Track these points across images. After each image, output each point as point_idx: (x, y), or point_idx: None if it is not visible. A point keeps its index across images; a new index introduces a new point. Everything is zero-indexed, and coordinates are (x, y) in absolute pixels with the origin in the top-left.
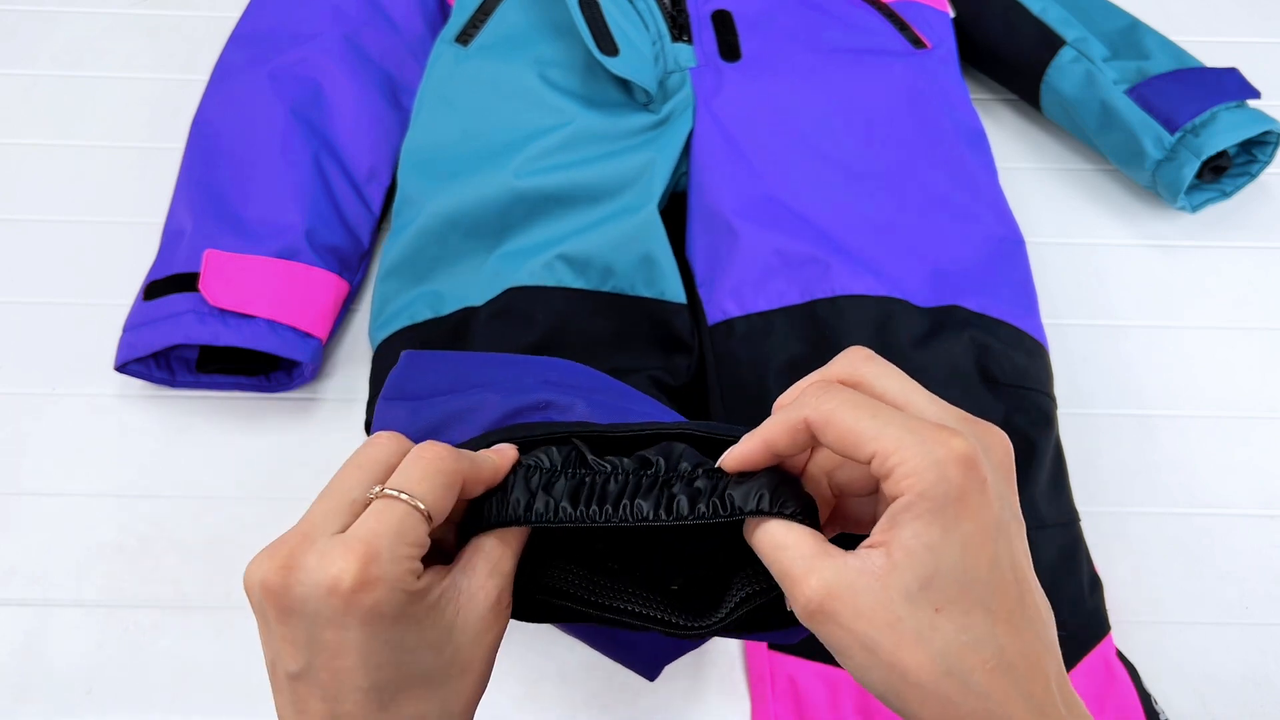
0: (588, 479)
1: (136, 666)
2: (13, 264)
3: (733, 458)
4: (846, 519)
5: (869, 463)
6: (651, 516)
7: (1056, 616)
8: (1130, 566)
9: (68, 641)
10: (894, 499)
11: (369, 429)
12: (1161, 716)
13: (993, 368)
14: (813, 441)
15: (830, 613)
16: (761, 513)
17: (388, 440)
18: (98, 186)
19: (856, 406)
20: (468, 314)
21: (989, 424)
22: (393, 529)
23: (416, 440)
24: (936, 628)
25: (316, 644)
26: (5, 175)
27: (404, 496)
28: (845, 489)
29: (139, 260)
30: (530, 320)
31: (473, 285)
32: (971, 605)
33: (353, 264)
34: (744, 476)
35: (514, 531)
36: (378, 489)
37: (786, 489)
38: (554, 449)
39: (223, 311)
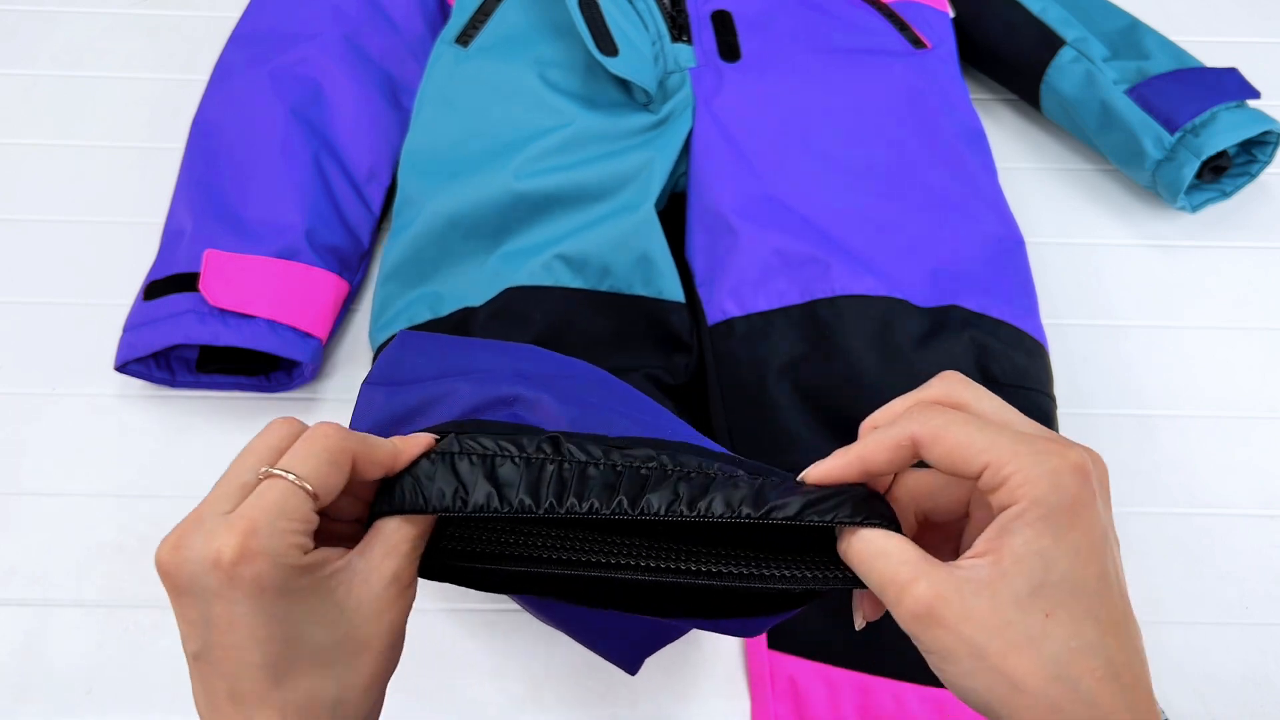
0: (553, 466)
1: (136, 666)
2: (13, 264)
3: (820, 470)
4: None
5: (978, 476)
6: (663, 512)
7: None
8: (1130, 566)
9: (68, 641)
10: (1004, 508)
11: None
12: (1162, 717)
13: (992, 368)
14: (912, 460)
15: (938, 616)
16: (860, 523)
17: (281, 425)
18: (98, 186)
19: (966, 422)
20: (467, 314)
21: (1086, 445)
22: (274, 505)
23: (380, 431)
24: (1047, 633)
25: (209, 621)
26: (5, 175)
27: (289, 476)
28: (930, 515)
29: (139, 260)
30: (528, 320)
31: (472, 286)
32: (1082, 613)
33: (353, 264)
34: (811, 490)
35: (419, 520)
36: (264, 469)
37: (876, 502)
38: (499, 440)
39: (223, 311)
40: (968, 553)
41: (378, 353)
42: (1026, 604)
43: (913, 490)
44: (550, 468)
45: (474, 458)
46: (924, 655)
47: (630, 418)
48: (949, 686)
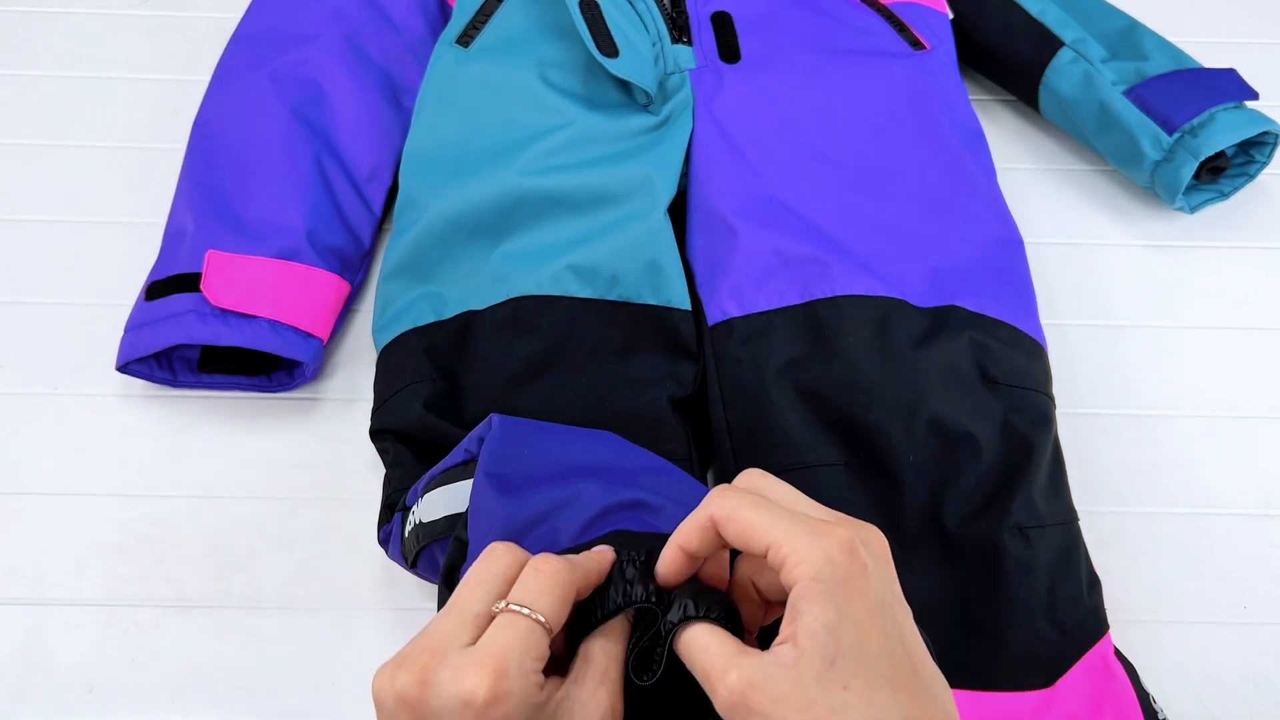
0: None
1: (136, 666)
2: (13, 264)
3: (660, 569)
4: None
5: (765, 555)
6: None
7: (1056, 616)
8: (1129, 566)
9: (68, 641)
10: (790, 588)
11: (374, 435)
12: (1160, 716)
13: (991, 368)
14: (719, 540)
15: (751, 704)
16: (686, 619)
17: (504, 552)
18: (98, 187)
19: (754, 505)
20: (470, 317)
21: (865, 523)
22: (519, 644)
23: (512, 536)
24: (847, 704)
25: None
26: (5, 175)
27: (525, 611)
28: (765, 593)
29: (140, 260)
30: (535, 329)
31: (474, 287)
32: (874, 679)
33: (354, 264)
34: (674, 591)
35: (617, 635)
36: (501, 604)
37: (709, 595)
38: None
39: (224, 312)
40: (776, 640)
41: (381, 355)
42: (826, 678)
43: (746, 573)
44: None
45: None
46: None
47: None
48: None
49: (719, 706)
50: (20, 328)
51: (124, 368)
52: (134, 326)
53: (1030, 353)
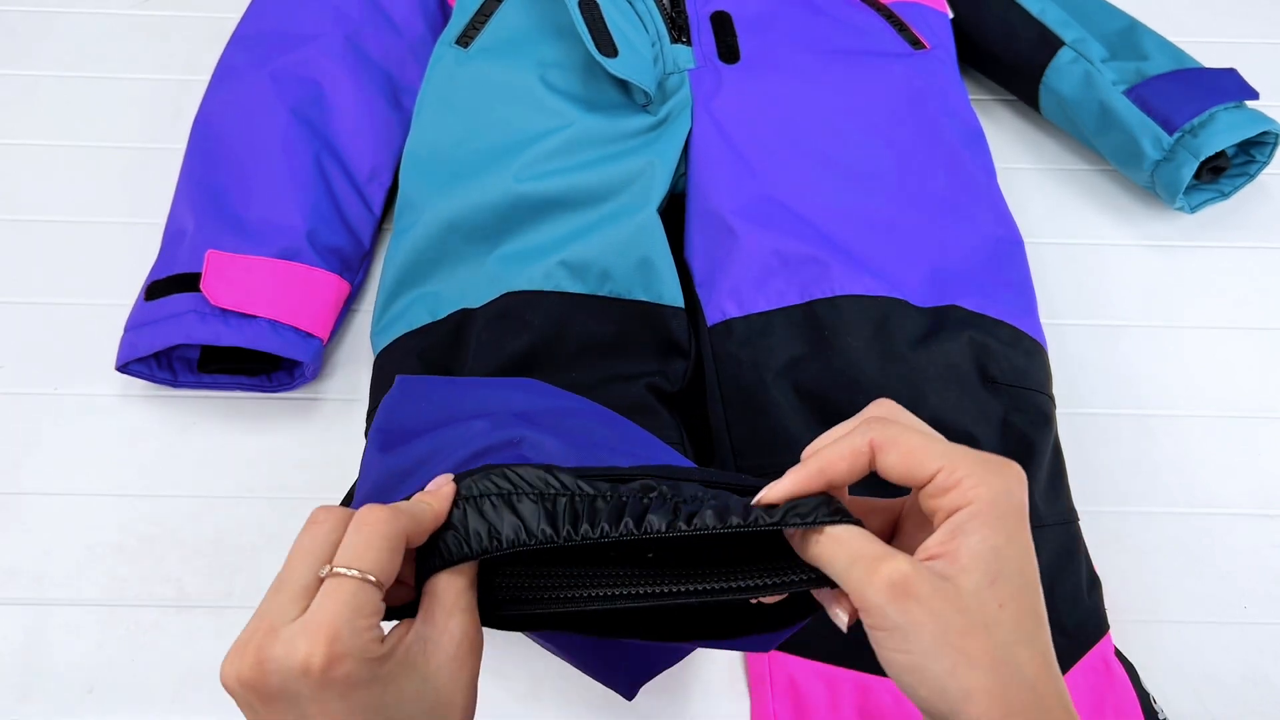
0: (565, 499)
1: (137, 666)
2: (14, 264)
3: (781, 487)
4: None
5: (928, 481)
6: (665, 529)
7: (1055, 616)
8: (1129, 566)
9: (69, 641)
10: (956, 509)
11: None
12: (1160, 716)
13: (991, 368)
14: (867, 469)
15: (914, 589)
16: (825, 521)
17: (325, 516)
18: (98, 187)
19: (919, 433)
20: (464, 316)
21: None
22: (347, 605)
23: (384, 491)
24: (999, 621)
25: (306, 719)
26: (5, 175)
27: (352, 572)
28: None
29: (140, 260)
30: (526, 324)
31: (470, 287)
32: (1026, 608)
33: (354, 264)
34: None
35: (462, 567)
36: (326, 569)
37: (840, 506)
38: (507, 474)
39: (224, 312)
40: (919, 554)
41: (377, 361)
42: (985, 594)
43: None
44: (563, 500)
45: (494, 499)
46: (875, 637)
47: (626, 452)
48: (897, 668)
49: (875, 587)
50: (20, 328)
51: (124, 368)
52: (134, 326)
53: (1030, 352)
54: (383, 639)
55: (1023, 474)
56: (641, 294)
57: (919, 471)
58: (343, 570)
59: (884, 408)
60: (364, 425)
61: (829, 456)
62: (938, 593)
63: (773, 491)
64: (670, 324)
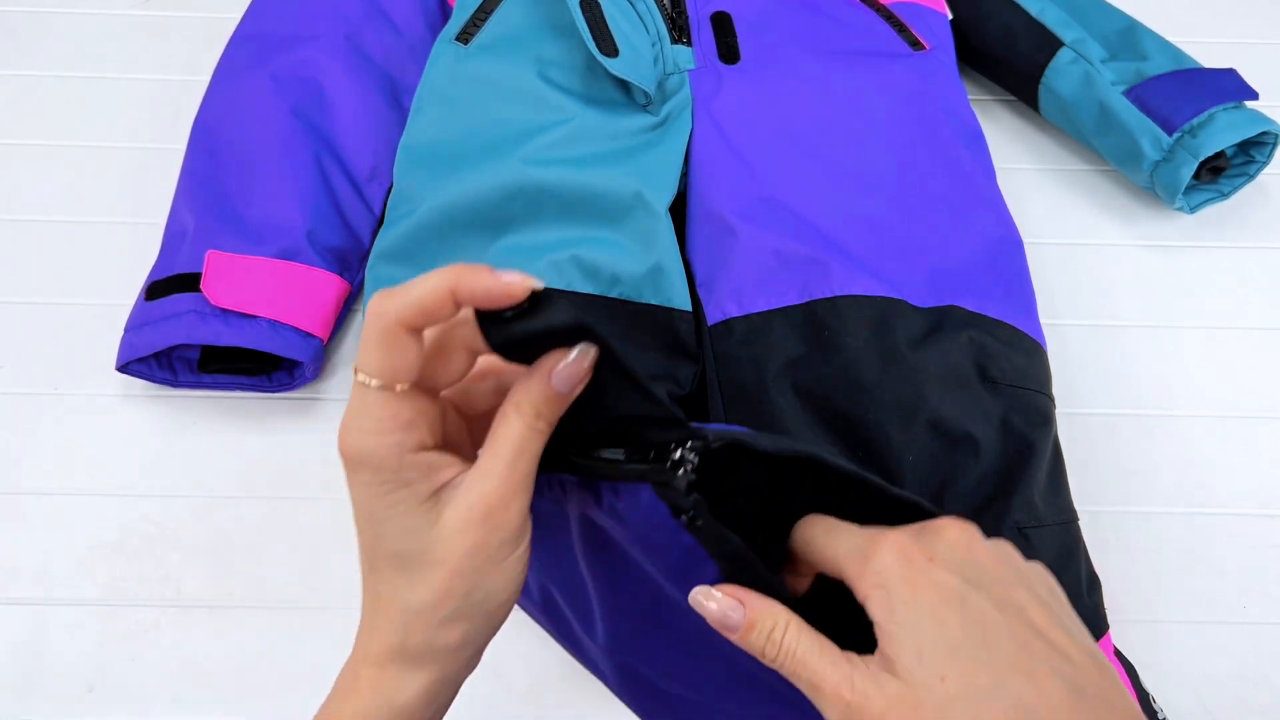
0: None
1: (137, 665)
2: (14, 264)
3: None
4: None
5: (842, 579)
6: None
7: None
8: (1128, 566)
9: (69, 640)
10: (864, 602)
11: None
12: (1160, 715)
13: (991, 368)
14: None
15: (864, 713)
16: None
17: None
18: (98, 186)
19: (818, 525)
20: None
21: (942, 521)
22: (353, 406)
23: None
24: (951, 694)
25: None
26: (6, 175)
27: (360, 378)
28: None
29: (140, 260)
30: None
31: None
32: (968, 666)
33: (354, 264)
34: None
35: (536, 413)
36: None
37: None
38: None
39: (224, 311)
40: (873, 653)
41: None
42: (918, 674)
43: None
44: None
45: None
46: None
47: None
48: None
49: (829, 717)
50: (20, 328)
51: (124, 368)
52: (134, 326)
53: (1030, 353)
54: (408, 449)
55: (902, 538)
56: (652, 297)
57: (833, 573)
58: (357, 373)
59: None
60: None
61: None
62: (887, 704)
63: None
64: (679, 327)
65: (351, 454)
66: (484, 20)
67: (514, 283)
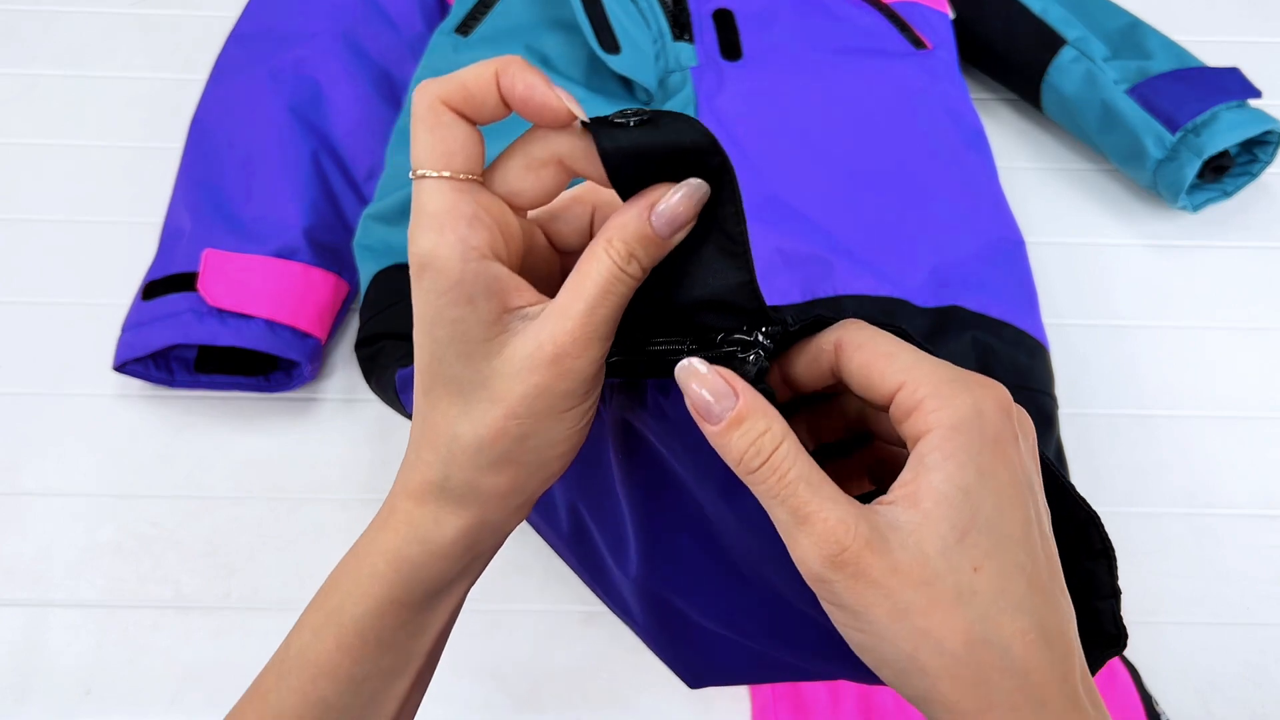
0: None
1: (136, 667)
2: (12, 264)
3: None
4: None
5: (890, 399)
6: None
7: None
8: (1131, 566)
9: (67, 641)
10: (919, 437)
11: (364, 342)
12: (1163, 717)
13: (994, 368)
14: (831, 376)
15: (863, 571)
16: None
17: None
18: (97, 186)
19: (891, 341)
20: None
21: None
22: (413, 209)
23: None
24: (975, 589)
25: None
26: (5, 175)
27: (413, 173)
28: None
29: (138, 260)
30: None
31: None
32: (1011, 566)
33: (351, 264)
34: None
35: (630, 254)
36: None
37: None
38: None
39: (221, 311)
40: (884, 497)
41: (374, 280)
42: (954, 553)
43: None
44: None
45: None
46: (826, 608)
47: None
48: (854, 645)
49: (813, 562)
50: (19, 327)
51: (121, 367)
52: (131, 326)
53: (1032, 353)
54: (482, 255)
55: (1003, 393)
56: None
57: (879, 384)
58: (413, 172)
59: (855, 322)
60: (366, 424)
61: (789, 355)
62: (891, 566)
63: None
64: None
65: (414, 257)
66: (484, 13)
67: (561, 97)
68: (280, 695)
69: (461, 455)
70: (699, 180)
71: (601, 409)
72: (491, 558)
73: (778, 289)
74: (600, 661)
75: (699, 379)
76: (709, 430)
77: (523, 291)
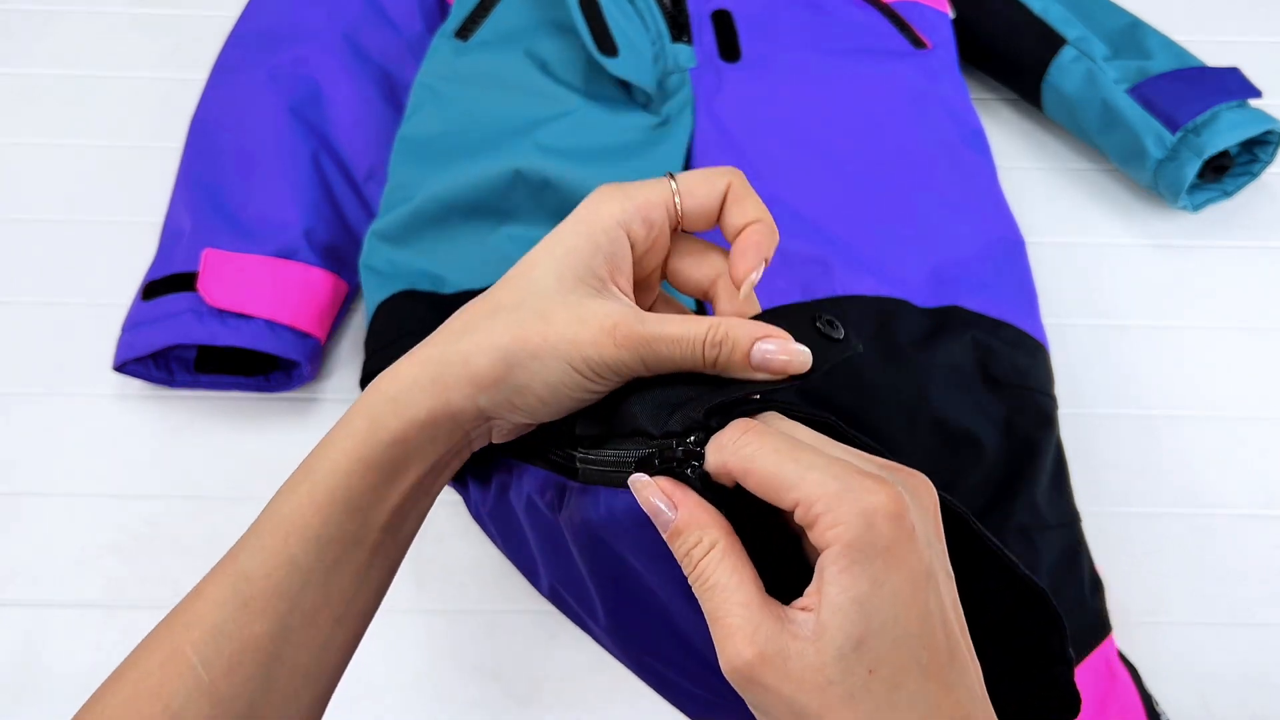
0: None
1: None
2: (12, 264)
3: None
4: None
5: (791, 512)
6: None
7: None
8: (1131, 567)
9: (67, 642)
10: (821, 551)
11: (362, 384)
12: (1163, 717)
13: (994, 368)
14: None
15: (759, 678)
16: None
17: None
18: (97, 186)
19: (777, 450)
20: (467, 297)
21: (910, 469)
22: (648, 190)
23: None
24: (869, 689)
25: None
26: (5, 175)
27: (673, 179)
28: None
29: (138, 260)
30: None
31: (475, 266)
32: (905, 663)
33: (351, 264)
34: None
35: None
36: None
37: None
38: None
39: (221, 311)
40: (797, 602)
41: (378, 312)
42: (850, 659)
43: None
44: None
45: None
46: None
47: None
48: None
49: (724, 669)
50: (19, 327)
51: (121, 367)
52: (131, 326)
53: (1032, 353)
54: (623, 233)
55: (895, 499)
56: None
57: (779, 501)
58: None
59: (770, 418)
60: (359, 378)
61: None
62: (790, 676)
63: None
64: None
65: (602, 200)
66: (483, 17)
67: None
68: (250, 554)
69: (446, 358)
70: (806, 353)
71: (558, 512)
72: (449, 467)
73: (777, 290)
74: (600, 661)
75: (650, 490)
76: (664, 535)
77: (626, 282)
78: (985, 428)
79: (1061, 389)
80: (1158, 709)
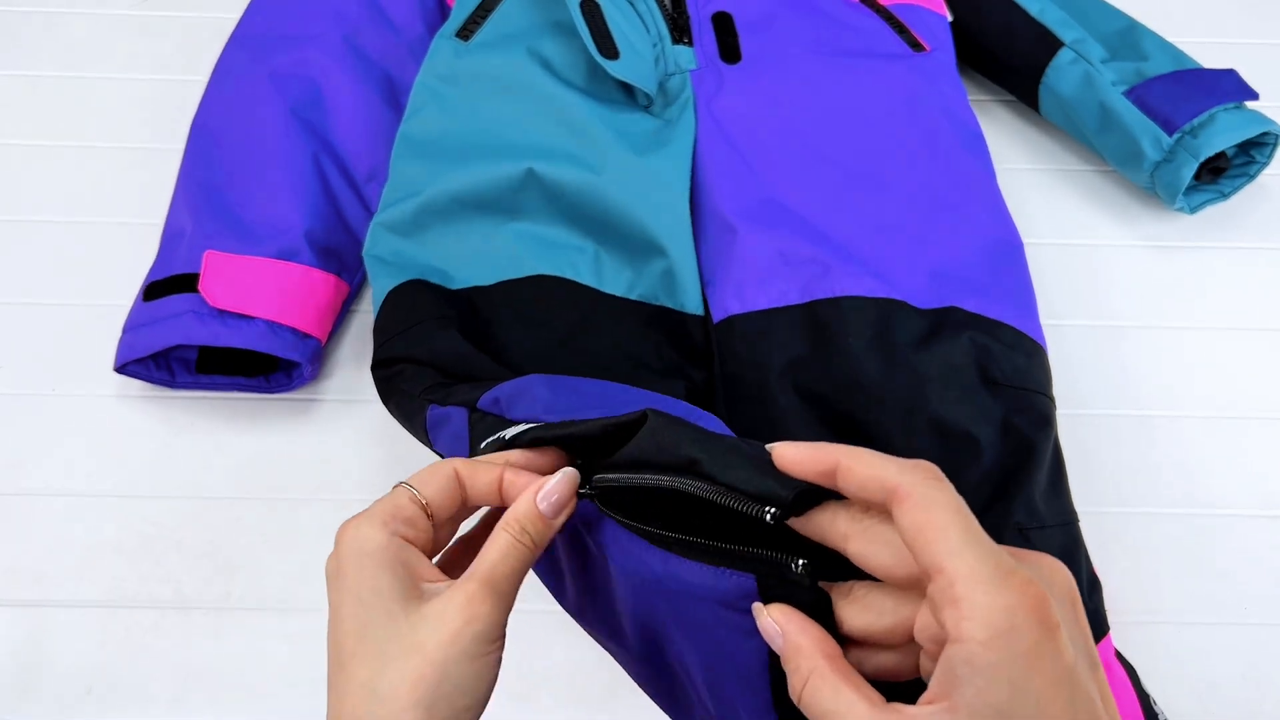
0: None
1: (136, 666)
2: (13, 264)
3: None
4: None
5: (927, 575)
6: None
7: None
8: (1129, 567)
9: (68, 641)
10: (952, 640)
11: (381, 364)
12: (1160, 717)
13: (992, 369)
14: (882, 514)
15: None
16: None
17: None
18: (98, 187)
19: (958, 512)
20: (474, 294)
21: (1045, 555)
22: (383, 501)
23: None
24: None
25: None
26: (5, 175)
27: (404, 484)
28: (865, 634)
29: (139, 261)
30: (549, 322)
31: (483, 262)
32: None
33: (352, 265)
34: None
35: (510, 544)
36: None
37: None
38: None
39: (222, 312)
40: (923, 697)
41: (388, 297)
42: None
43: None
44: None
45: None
46: None
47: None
48: None
49: None
50: (19, 328)
51: (122, 368)
52: (132, 327)
53: (1030, 354)
54: (411, 548)
55: (1041, 597)
56: (666, 300)
57: (920, 557)
58: (402, 483)
59: (923, 472)
60: (366, 425)
61: (850, 477)
62: None
63: (785, 457)
64: (692, 331)
65: (361, 523)
66: (484, 18)
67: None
68: None
69: (380, 706)
70: (572, 470)
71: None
72: None
73: (776, 290)
74: (600, 661)
75: (763, 617)
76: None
77: (432, 571)
78: (983, 428)
79: (1059, 389)
80: (1155, 709)
